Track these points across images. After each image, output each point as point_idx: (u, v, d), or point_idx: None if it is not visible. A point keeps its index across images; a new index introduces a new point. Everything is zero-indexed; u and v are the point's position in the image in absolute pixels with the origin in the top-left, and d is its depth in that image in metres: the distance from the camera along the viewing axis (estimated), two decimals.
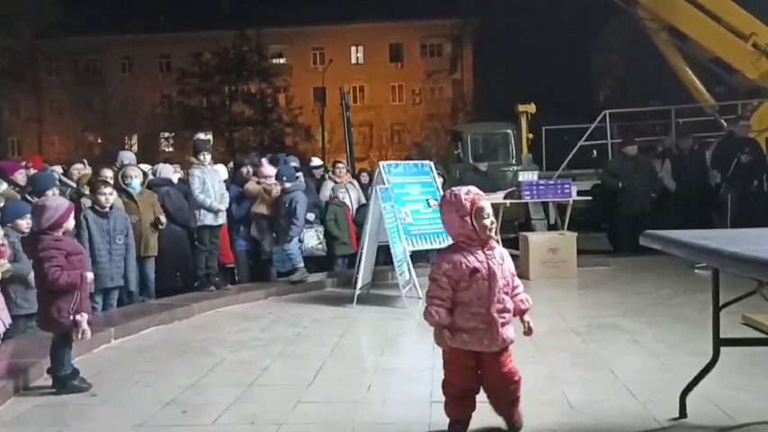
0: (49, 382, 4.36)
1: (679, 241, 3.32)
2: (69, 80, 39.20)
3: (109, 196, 6.39)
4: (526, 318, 3.24)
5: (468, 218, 3.01)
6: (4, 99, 34.87)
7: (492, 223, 3.07)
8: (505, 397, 3.22)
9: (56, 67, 38.87)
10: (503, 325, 3.09)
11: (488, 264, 3.05)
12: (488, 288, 3.04)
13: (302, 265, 7.87)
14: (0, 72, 30.19)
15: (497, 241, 3.20)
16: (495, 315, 3.05)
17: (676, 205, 10.17)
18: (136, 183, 7.17)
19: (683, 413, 3.53)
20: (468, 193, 3.07)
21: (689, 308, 6.27)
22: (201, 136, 7.94)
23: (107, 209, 6.36)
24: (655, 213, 9.91)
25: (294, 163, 9.59)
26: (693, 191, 10.01)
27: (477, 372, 3.18)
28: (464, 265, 3.01)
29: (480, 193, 3.13)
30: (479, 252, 3.06)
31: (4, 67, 30.30)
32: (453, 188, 3.16)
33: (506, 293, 3.13)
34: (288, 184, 7.72)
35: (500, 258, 3.13)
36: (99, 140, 38.93)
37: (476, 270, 3.01)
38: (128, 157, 8.33)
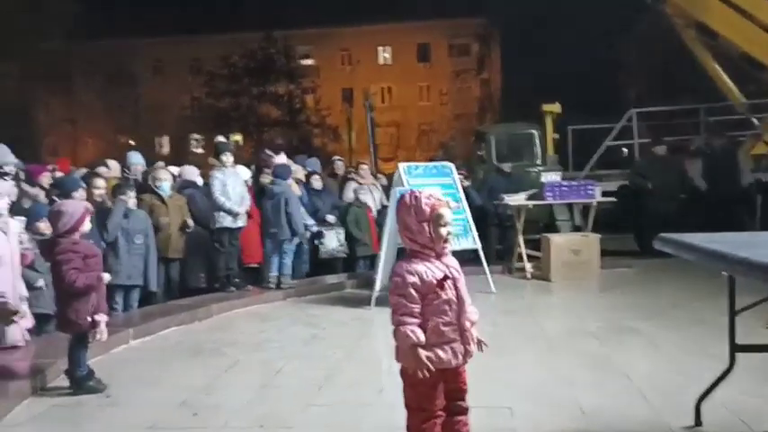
0: (67, 382, 4.44)
1: (690, 245, 3.24)
2: (101, 83, 39.85)
3: (133, 198, 6.56)
4: (474, 331, 2.91)
5: (425, 224, 2.77)
6: (39, 102, 35.62)
7: (448, 234, 2.82)
8: (460, 414, 2.89)
9: (88, 71, 39.57)
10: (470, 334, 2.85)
11: (451, 272, 2.81)
12: (457, 296, 2.79)
13: (273, 273, 7.72)
14: (34, 76, 30.84)
15: (451, 253, 2.90)
16: (466, 323, 2.82)
17: (706, 205, 9.95)
18: (166, 185, 7.28)
19: (698, 421, 3.46)
20: (429, 197, 2.82)
21: (710, 312, 6.07)
22: (222, 138, 7.97)
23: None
24: (684, 214, 9.70)
25: (316, 166, 9.64)
26: (724, 191, 9.79)
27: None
28: (431, 276, 2.75)
29: (443, 199, 2.88)
30: (437, 262, 2.81)
31: (39, 71, 30.97)
32: (414, 190, 2.90)
33: (467, 303, 2.88)
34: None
35: (458, 270, 2.88)
36: (131, 142, 39.58)
37: (445, 277, 2.77)
38: (136, 159, 8.22)
